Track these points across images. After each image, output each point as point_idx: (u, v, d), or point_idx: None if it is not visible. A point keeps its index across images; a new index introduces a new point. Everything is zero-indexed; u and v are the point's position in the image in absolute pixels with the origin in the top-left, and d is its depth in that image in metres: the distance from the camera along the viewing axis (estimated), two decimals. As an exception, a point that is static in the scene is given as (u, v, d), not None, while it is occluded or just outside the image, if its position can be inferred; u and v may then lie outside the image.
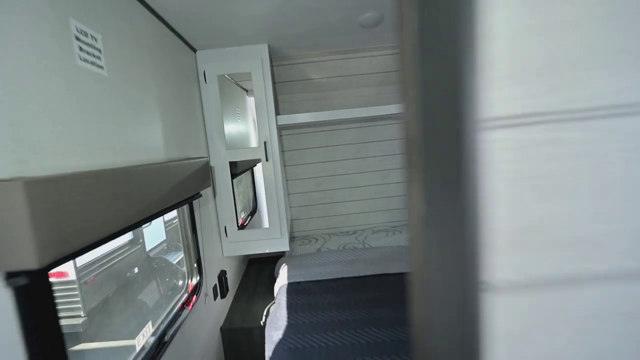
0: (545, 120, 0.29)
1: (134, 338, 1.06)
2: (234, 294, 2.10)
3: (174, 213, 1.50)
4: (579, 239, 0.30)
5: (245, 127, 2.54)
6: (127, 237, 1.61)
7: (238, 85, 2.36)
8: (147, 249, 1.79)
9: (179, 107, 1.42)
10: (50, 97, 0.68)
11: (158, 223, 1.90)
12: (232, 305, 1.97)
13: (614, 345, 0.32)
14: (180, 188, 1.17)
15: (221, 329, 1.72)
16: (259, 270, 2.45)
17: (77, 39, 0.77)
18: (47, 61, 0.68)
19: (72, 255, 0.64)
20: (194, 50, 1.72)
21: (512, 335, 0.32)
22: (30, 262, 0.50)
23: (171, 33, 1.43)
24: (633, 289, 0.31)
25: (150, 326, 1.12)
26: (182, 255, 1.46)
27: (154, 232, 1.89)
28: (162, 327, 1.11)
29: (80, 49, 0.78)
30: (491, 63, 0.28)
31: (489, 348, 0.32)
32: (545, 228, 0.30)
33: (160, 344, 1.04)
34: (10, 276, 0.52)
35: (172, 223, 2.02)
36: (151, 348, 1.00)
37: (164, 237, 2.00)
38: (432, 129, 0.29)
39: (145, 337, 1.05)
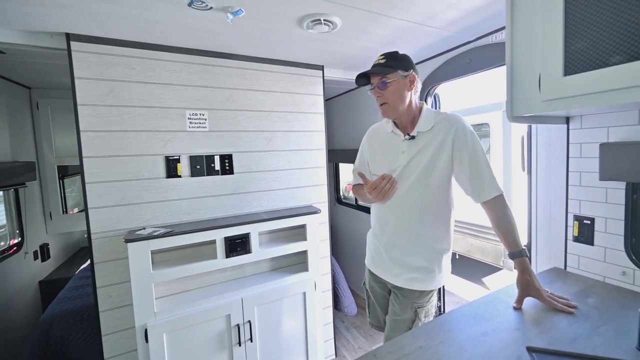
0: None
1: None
2: (60, 262, 2.82)
3: None
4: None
5: (82, 140, 3.28)
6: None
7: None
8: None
9: (16, 126, 2.22)
10: None
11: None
12: (55, 269, 2.71)
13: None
14: (11, 177, 2.00)
15: (40, 282, 2.47)
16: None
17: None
18: None
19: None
20: (29, 88, 2.49)
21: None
22: None
23: (15, 84, 2.23)
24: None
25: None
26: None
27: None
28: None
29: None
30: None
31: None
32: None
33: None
34: None
35: None
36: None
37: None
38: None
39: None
